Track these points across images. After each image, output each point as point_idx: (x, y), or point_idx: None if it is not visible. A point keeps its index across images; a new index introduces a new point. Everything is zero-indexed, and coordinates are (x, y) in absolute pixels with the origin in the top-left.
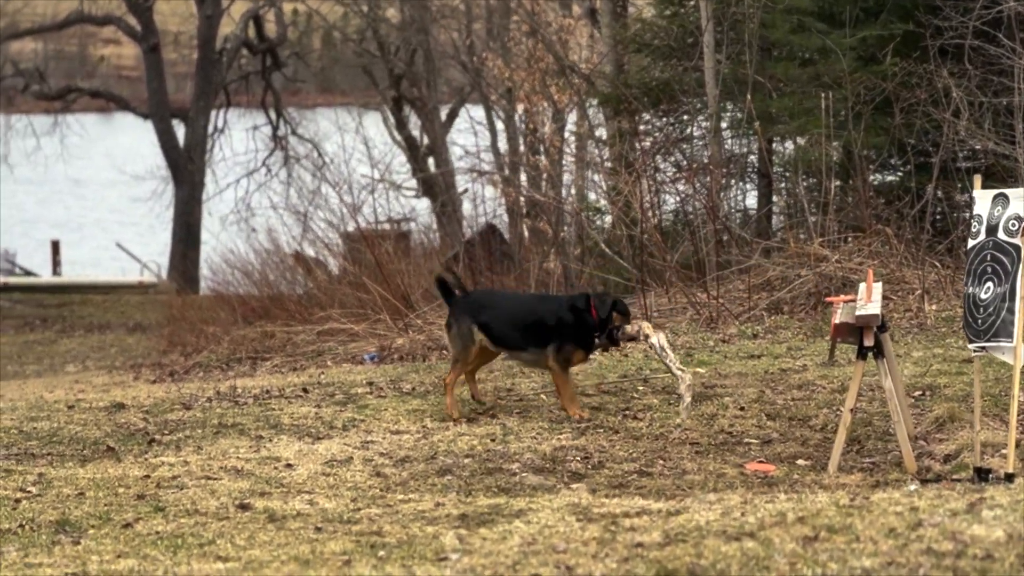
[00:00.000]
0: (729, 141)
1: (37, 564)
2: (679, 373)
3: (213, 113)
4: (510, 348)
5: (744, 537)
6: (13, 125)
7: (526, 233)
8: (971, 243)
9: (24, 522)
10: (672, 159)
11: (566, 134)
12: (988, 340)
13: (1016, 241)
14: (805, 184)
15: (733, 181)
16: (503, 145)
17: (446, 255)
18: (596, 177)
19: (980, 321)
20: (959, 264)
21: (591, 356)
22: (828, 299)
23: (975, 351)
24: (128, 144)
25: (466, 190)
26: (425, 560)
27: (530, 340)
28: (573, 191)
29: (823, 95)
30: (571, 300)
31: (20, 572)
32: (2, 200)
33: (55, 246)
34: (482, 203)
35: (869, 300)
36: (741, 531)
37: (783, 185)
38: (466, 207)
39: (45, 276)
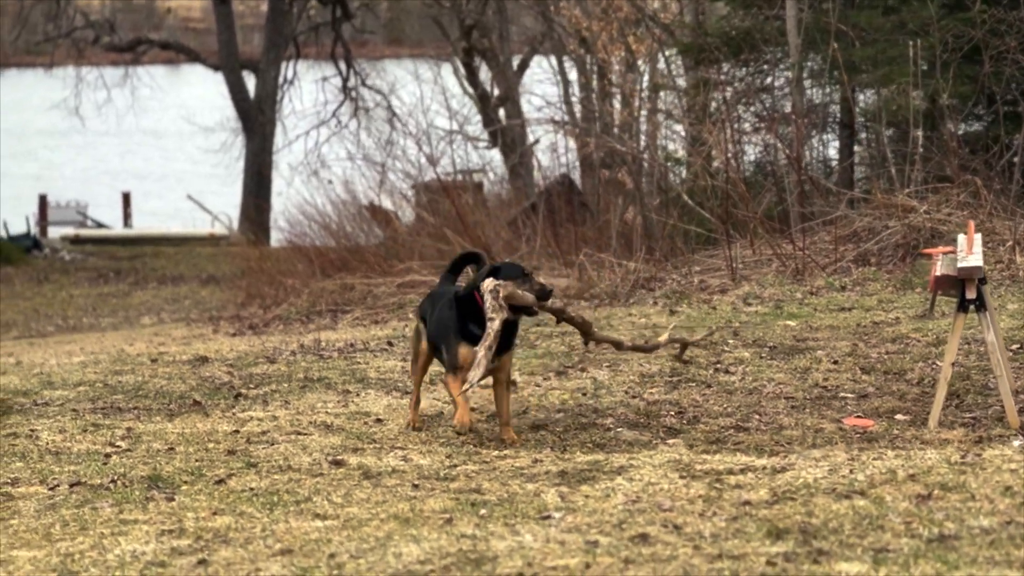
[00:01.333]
0: (810, 91)
1: (132, 520)
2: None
3: (283, 64)
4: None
5: (855, 495)
6: (84, 77)
7: (594, 186)
8: None
9: (116, 477)
10: (752, 109)
11: (643, 84)
12: None
13: None
14: (888, 134)
15: (815, 132)
16: (576, 95)
17: (520, 207)
18: (676, 127)
19: None
20: None
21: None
22: (925, 251)
23: None
24: (197, 96)
25: (538, 141)
26: (528, 519)
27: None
28: (653, 142)
29: (908, 43)
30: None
31: (116, 528)
32: (74, 153)
33: (126, 198)
34: (555, 154)
35: (970, 252)
36: (851, 489)
37: (865, 135)
38: (539, 158)
39: (116, 228)
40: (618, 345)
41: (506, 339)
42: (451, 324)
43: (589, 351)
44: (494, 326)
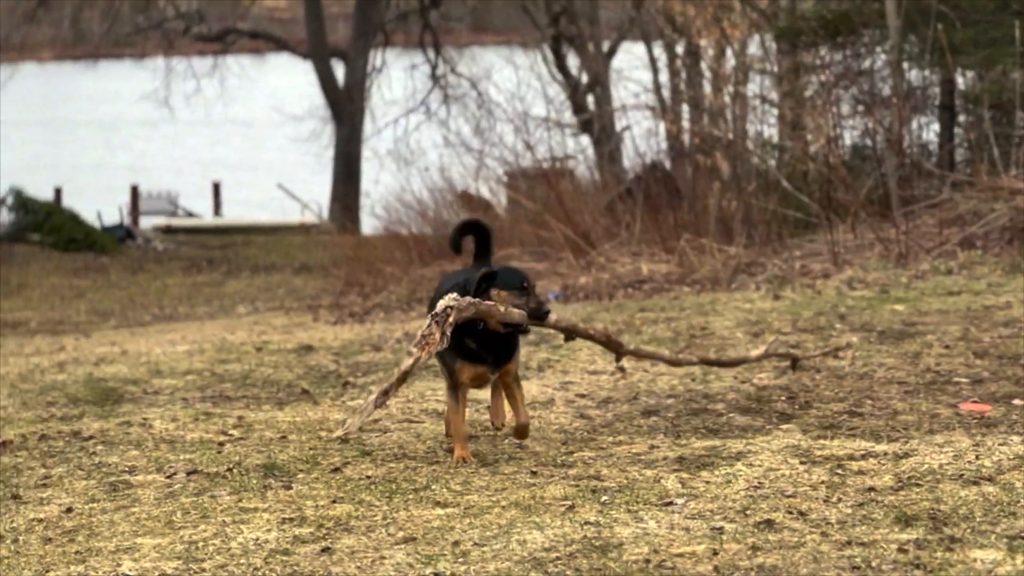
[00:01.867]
0: (910, 73)
1: (252, 509)
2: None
3: (371, 52)
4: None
5: (983, 481)
6: (174, 68)
7: (689, 171)
8: None
9: (232, 466)
10: (851, 93)
11: (736, 69)
12: None
13: None
14: (991, 116)
15: (915, 114)
16: (665, 80)
17: (611, 194)
18: (770, 112)
19: None
20: None
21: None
22: None
23: None
24: (286, 85)
25: (628, 127)
26: (650, 505)
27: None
28: (742, 127)
29: (1012, 23)
30: (457, 279)
31: (236, 516)
32: (164, 143)
33: (216, 188)
34: (647, 140)
35: None
36: (978, 475)
37: (966, 117)
38: (628, 145)
39: (207, 218)
40: (674, 363)
41: (506, 350)
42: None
43: (621, 367)
44: (406, 364)
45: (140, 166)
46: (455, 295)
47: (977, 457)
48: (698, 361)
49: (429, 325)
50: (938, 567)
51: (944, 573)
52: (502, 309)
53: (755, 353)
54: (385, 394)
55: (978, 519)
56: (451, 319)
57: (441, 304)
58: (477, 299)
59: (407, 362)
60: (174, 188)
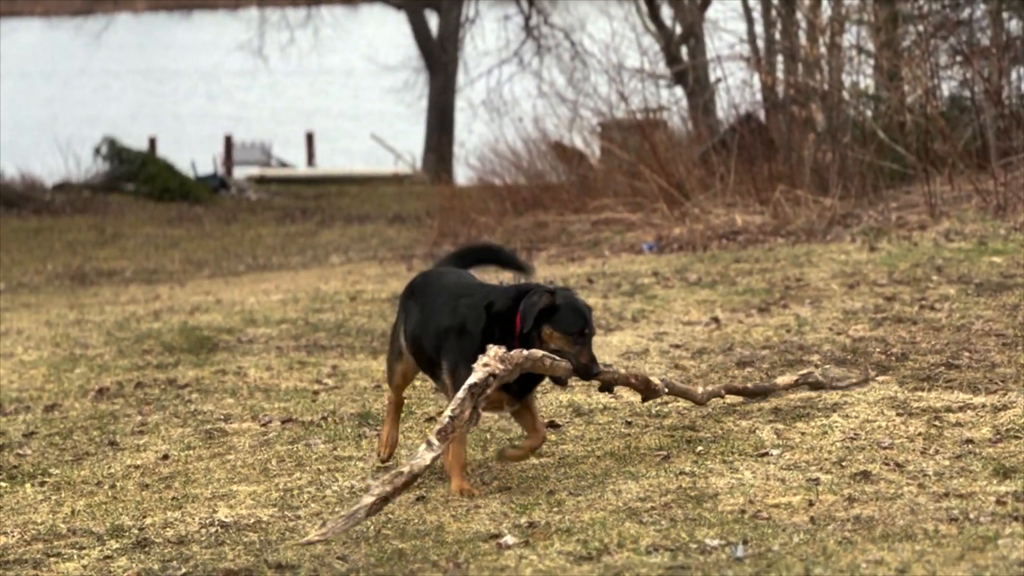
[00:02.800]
0: (1009, 23)
1: (347, 457)
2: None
3: (464, 3)
4: (424, 367)
5: None
6: (268, 18)
7: (783, 122)
8: None
9: (326, 414)
10: (948, 43)
11: (832, 19)
12: None
13: None
14: None
15: (1014, 64)
16: (760, 31)
17: (705, 145)
18: (866, 63)
19: None
20: None
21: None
22: None
23: None
24: (379, 36)
25: (722, 78)
26: (746, 456)
27: (437, 353)
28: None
29: None
30: (497, 294)
31: (331, 465)
32: (258, 93)
33: (309, 138)
34: (740, 91)
35: None
36: None
37: None
38: (722, 96)
39: (301, 168)
40: (700, 402)
41: (532, 380)
42: (467, 345)
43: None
44: (419, 461)
45: (234, 116)
46: (496, 356)
47: None
48: (725, 392)
49: (461, 402)
50: None
51: None
52: (548, 364)
53: (782, 381)
54: (383, 500)
55: None
56: (490, 391)
57: (480, 372)
58: (523, 353)
59: (422, 458)
60: (268, 138)
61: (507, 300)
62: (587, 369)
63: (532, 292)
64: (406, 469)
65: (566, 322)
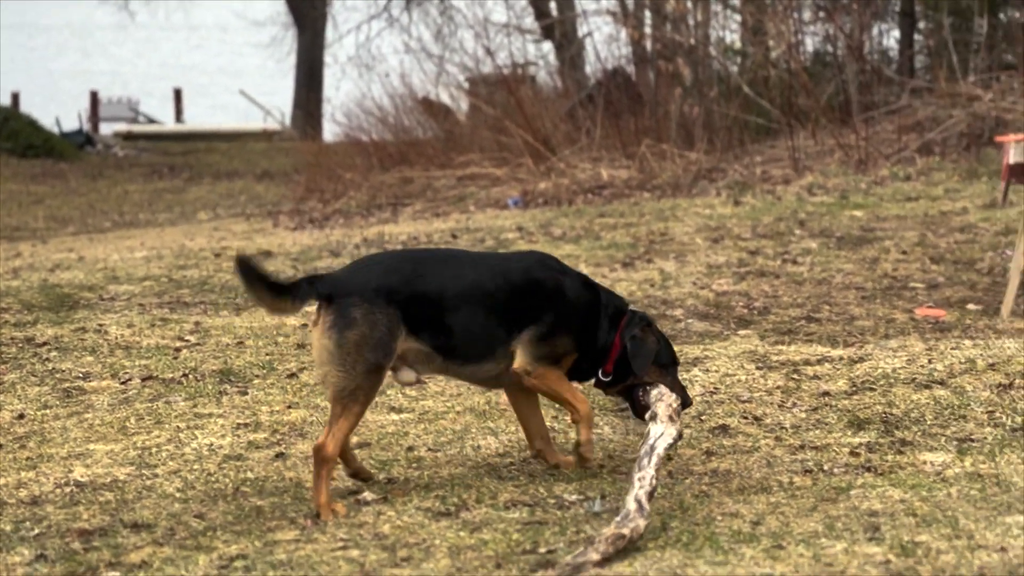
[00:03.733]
0: None
1: (207, 414)
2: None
3: None
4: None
5: (934, 385)
6: None
7: (650, 77)
8: None
9: (187, 371)
10: (810, 0)
11: None
12: None
13: None
14: (950, 22)
15: (875, 21)
16: None
17: (572, 100)
18: (733, 18)
19: None
20: None
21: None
22: (998, 138)
23: None
24: None
25: (589, 33)
26: (605, 410)
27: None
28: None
29: None
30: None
31: (191, 422)
32: (124, 48)
33: (177, 94)
34: (607, 46)
35: None
36: (931, 379)
37: (925, 24)
38: (590, 51)
39: (168, 124)
40: None
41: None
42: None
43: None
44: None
45: (100, 72)
46: (670, 394)
47: (930, 361)
48: None
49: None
50: (888, 470)
51: (894, 475)
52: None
53: None
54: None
55: (929, 422)
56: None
57: (666, 396)
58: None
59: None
60: (135, 94)
61: (612, 307)
62: (686, 400)
63: (634, 323)
64: (626, 532)
65: (664, 358)
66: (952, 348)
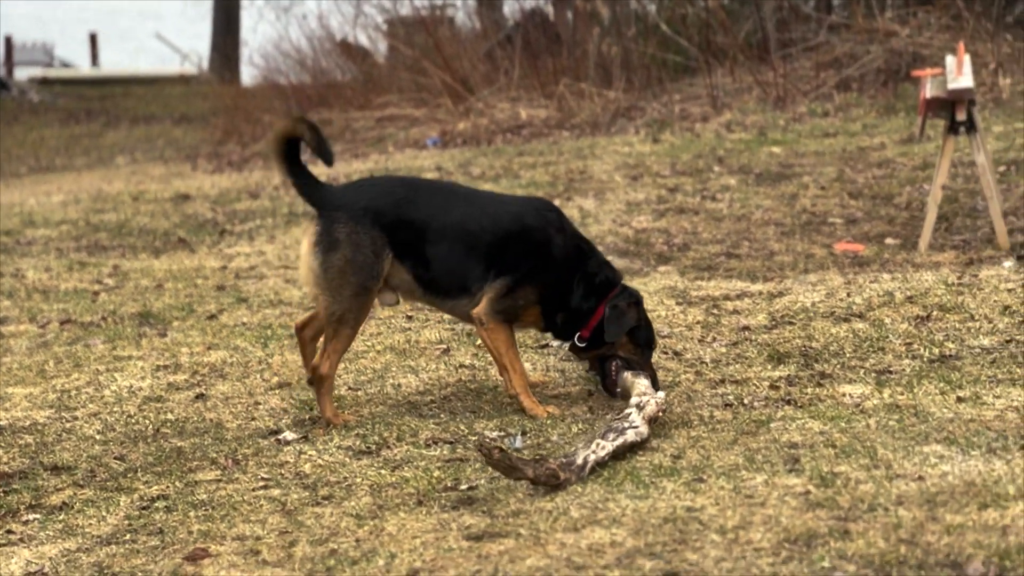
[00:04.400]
0: None
1: (127, 357)
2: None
3: None
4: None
5: (853, 318)
6: None
7: (569, 16)
8: None
9: (106, 314)
10: None
11: None
12: None
13: None
14: None
15: None
16: None
17: (490, 40)
18: None
19: None
20: None
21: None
22: (915, 73)
23: None
24: None
25: None
26: (526, 347)
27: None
28: None
29: None
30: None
31: (110, 365)
32: None
33: (93, 39)
34: None
35: (960, 73)
36: (849, 312)
37: None
38: None
39: (85, 69)
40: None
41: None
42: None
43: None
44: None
45: (13, 15)
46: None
47: (849, 295)
48: None
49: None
50: (808, 402)
51: (814, 408)
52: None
53: None
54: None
55: (848, 355)
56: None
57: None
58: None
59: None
60: (49, 38)
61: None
62: (656, 382)
63: (621, 296)
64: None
65: (643, 337)
66: (870, 282)
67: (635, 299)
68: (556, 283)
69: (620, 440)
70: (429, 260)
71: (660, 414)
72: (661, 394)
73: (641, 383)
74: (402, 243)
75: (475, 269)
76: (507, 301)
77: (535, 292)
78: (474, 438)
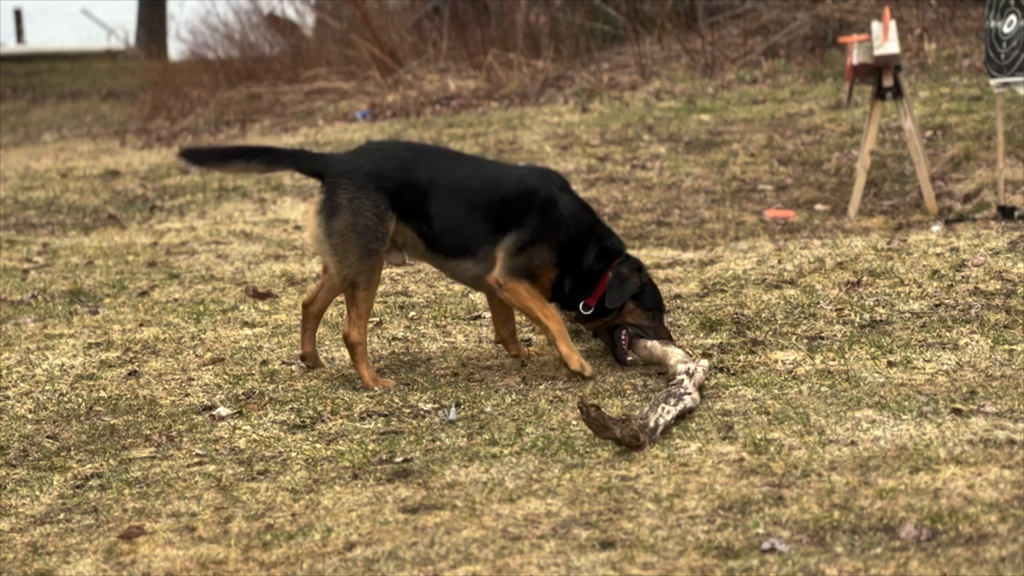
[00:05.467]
0: None
1: (58, 335)
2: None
3: None
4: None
5: (784, 285)
6: None
7: None
8: None
9: (36, 292)
10: None
11: None
12: (1012, 75)
13: None
14: None
15: None
16: None
17: (418, 12)
18: None
19: (1003, 56)
20: (956, 2)
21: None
22: (842, 39)
23: (997, 87)
24: None
25: None
26: (458, 319)
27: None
28: None
29: None
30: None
31: (41, 343)
32: None
33: (17, 14)
34: None
35: (886, 39)
36: (780, 279)
37: None
38: None
39: (9, 45)
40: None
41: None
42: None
43: None
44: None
45: None
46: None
47: (779, 262)
48: None
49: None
50: (740, 369)
51: (746, 375)
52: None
53: None
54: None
55: (780, 321)
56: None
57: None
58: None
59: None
60: None
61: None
62: (671, 343)
63: (623, 264)
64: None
65: (649, 300)
66: (801, 248)
67: (638, 266)
68: (568, 244)
69: (680, 405)
70: (432, 219)
71: (705, 381)
72: (705, 362)
73: (676, 352)
74: (406, 204)
75: (479, 230)
76: (521, 259)
77: (550, 251)
78: (408, 411)
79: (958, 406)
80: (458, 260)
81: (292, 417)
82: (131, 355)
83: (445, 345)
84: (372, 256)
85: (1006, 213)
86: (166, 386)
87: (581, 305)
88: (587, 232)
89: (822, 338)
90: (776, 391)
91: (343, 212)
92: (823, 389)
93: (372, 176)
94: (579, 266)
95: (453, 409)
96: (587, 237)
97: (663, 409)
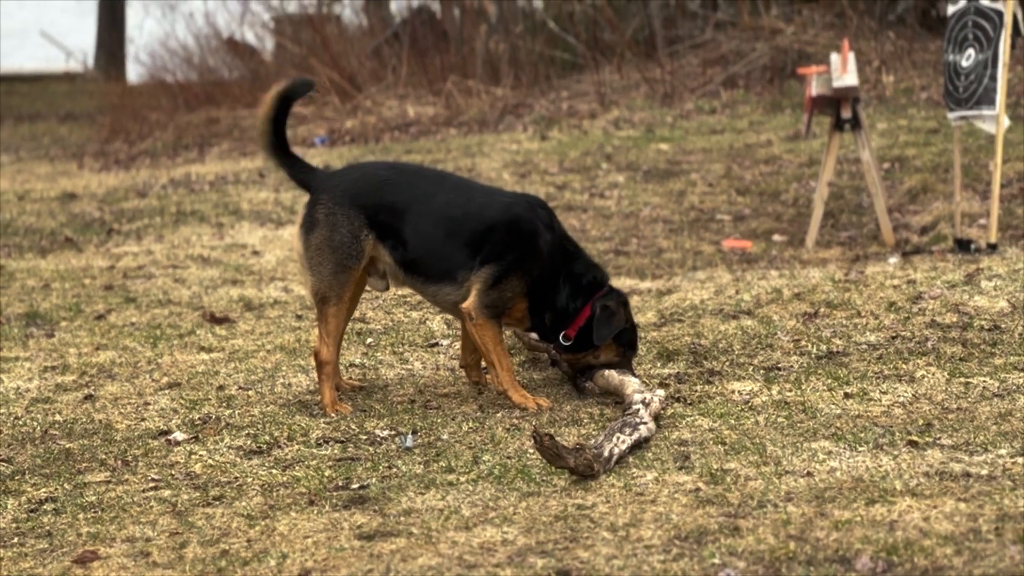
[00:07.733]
0: None
1: (13, 358)
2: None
3: None
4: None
5: (742, 315)
6: None
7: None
8: (951, 9)
9: None
10: None
11: None
12: (969, 108)
13: (999, 6)
14: None
15: None
16: None
17: (378, 38)
18: None
19: (961, 89)
20: (914, 35)
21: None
22: (801, 70)
23: (955, 120)
24: None
25: None
26: (415, 347)
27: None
28: None
29: None
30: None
31: None
32: None
33: None
34: None
35: (845, 71)
36: (738, 309)
37: None
38: None
39: None
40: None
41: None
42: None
43: None
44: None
45: None
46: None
47: (737, 292)
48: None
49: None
50: (697, 399)
51: (703, 405)
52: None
53: None
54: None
55: (737, 352)
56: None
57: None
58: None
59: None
60: None
61: (591, 275)
62: (629, 372)
63: (607, 297)
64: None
65: (626, 340)
66: (758, 278)
67: (623, 300)
68: (542, 277)
69: (636, 435)
70: (407, 242)
71: (661, 411)
72: (661, 391)
73: (633, 381)
74: (382, 224)
75: (458, 255)
76: (494, 293)
77: (522, 284)
78: (364, 437)
79: (914, 438)
80: (438, 286)
81: (248, 443)
82: (87, 379)
83: (402, 372)
84: (344, 272)
85: (962, 246)
86: (122, 410)
87: (561, 336)
88: (565, 265)
89: (779, 369)
90: (732, 421)
91: (320, 227)
92: (779, 420)
93: (348, 193)
94: (556, 299)
95: (410, 436)
96: (568, 269)
97: (618, 438)
